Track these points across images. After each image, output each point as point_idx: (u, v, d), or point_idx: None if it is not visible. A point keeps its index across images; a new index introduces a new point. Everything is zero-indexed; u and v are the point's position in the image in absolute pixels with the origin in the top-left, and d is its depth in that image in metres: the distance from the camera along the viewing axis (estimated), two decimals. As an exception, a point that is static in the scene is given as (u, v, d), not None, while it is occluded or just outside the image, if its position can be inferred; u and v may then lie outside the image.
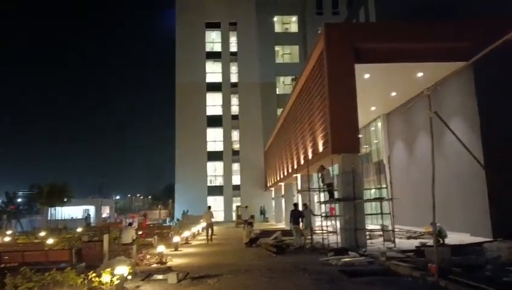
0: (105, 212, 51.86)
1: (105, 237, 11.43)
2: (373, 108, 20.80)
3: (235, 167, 42.19)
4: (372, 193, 17.48)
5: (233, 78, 43.58)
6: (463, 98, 14.32)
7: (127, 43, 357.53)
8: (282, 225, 27.04)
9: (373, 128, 23.70)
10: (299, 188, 20.57)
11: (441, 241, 11.88)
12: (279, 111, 33.83)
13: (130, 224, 18.22)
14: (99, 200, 51.25)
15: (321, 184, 14.88)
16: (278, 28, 44.96)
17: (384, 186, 15.28)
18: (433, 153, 7.27)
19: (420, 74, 14.85)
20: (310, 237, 14.49)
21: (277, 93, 42.88)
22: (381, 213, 14.75)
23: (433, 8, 16.52)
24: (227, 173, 41.76)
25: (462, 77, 13.70)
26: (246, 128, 42.06)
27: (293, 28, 45.10)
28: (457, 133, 14.01)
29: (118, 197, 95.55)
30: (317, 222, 18.07)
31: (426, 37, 13.47)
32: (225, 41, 43.80)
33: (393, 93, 17.99)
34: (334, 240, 13.59)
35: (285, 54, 44.81)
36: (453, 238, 13.29)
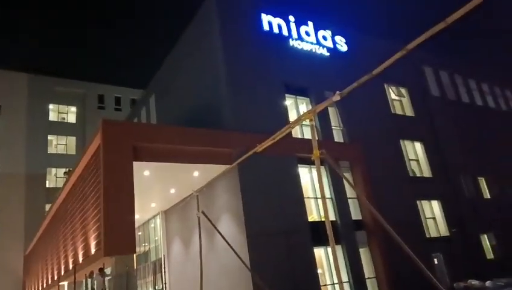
0: None
1: None
2: (153, 204, 20.81)
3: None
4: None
5: (-10, 168, 36.51)
6: (231, 196, 16.05)
7: None
8: None
9: (152, 225, 23.44)
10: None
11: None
12: (48, 207, 29.67)
13: None
14: None
15: (91, 292, 13.20)
16: (53, 117, 41.56)
17: (159, 287, 14.76)
18: (201, 251, 7.58)
19: (196, 173, 16.04)
20: None
21: (47, 186, 38.00)
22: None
23: (203, 118, 18.71)
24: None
25: (230, 178, 15.51)
26: (2, 227, 34.71)
27: (71, 118, 42.63)
28: (227, 228, 15.54)
29: None
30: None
31: (197, 142, 14.92)
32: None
33: (172, 190, 18.61)
34: None
35: (60, 144, 41.26)
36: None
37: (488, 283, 17.52)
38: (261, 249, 14.53)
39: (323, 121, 19.86)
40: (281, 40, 20.29)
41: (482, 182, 26.15)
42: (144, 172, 14.81)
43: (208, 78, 19.17)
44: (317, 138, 19.60)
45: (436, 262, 20.25)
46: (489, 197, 25.95)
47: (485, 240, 23.95)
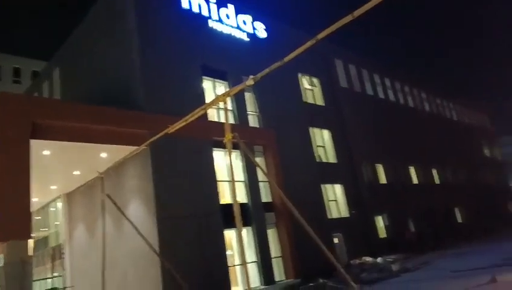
0: None
1: None
2: (54, 187, 19.25)
3: None
4: (49, 282, 15.47)
5: None
6: (142, 179, 15.50)
7: None
8: None
9: (53, 209, 21.72)
10: None
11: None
12: None
13: None
14: None
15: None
16: None
17: (59, 274, 13.84)
18: (104, 236, 7.27)
19: (104, 155, 15.16)
20: None
21: None
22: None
23: (114, 97, 17.69)
24: None
25: (142, 160, 14.95)
26: None
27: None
28: (136, 212, 15.04)
29: None
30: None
31: (107, 121, 14.08)
32: None
33: (77, 172, 17.39)
34: None
35: None
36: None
37: (379, 259, 19.52)
38: (171, 232, 14.38)
39: (240, 105, 20.06)
40: (200, 20, 19.86)
41: (380, 169, 28.82)
42: (43, 152, 13.58)
43: (121, 55, 18.08)
44: (233, 122, 19.82)
45: (336, 241, 21.97)
46: (385, 182, 28.72)
47: (379, 221, 26.58)
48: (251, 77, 4.52)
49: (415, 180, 32.40)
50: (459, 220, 36.23)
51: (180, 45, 18.11)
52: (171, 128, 5.54)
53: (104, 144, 14.18)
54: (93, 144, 14.05)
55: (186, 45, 18.37)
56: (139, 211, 15.06)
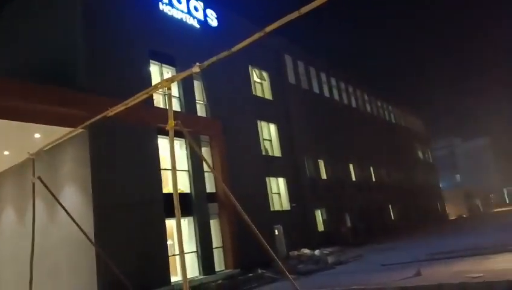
0: None
1: None
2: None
3: None
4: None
5: None
6: (79, 164, 14.74)
7: None
8: None
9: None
10: None
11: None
12: None
13: None
14: None
15: None
16: None
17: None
18: (34, 222, 6.84)
19: (38, 135, 14.20)
20: None
21: None
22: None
23: (53, 75, 16.59)
24: None
25: (80, 144, 14.20)
26: None
27: None
28: (72, 198, 14.28)
29: None
30: None
31: (42, 100, 13.19)
32: None
33: (6, 152, 16.18)
34: None
35: None
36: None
37: (316, 252, 20.23)
38: (109, 221, 13.87)
39: (188, 94, 19.70)
40: (150, 1, 19.16)
41: (321, 164, 29.78)
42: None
43: (62, 31, 16.97)
44: (179, 110, 19.43)
45: (276, 233, 22.45)
46: (325, 177, 29.75)
47: (319, 215, 27.53)
48: (197, 64, 4.42)
49: (353, 178, 33.88)
50: (392, 217, 38.51)
51: (127, 26, 17.36)
52: (111, 111, 5.28)
53: (37, 124, 13.29)
54: (24, 123, 13.12)
55: (134, 27, 17.64)
56: (75, 197, 14.34)
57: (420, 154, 52.67)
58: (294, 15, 3.71)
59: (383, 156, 39.89)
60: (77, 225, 7.27)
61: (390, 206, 38.60)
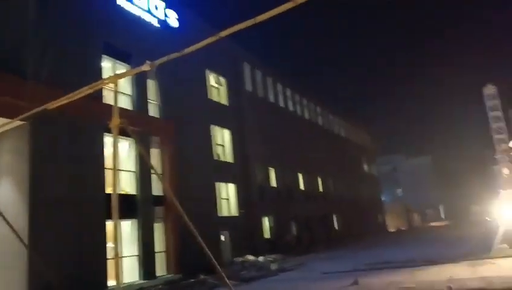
0: None
1: None
2: None
3: None
4: None
5: None
6: (17, 158, 13.81)
7: None
8: None
9: None
10: None
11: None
12: None
13: None
14: None
15: None
16: None
17: None
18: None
19: (-30, 124, 13.15)
20: None
21: None
22: None
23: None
24: None
25: (20, 136, 13.35)
26: None
27: None
28: (5, 195, 13.34)
29: None
30: None
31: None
32: None
33: None
34: None
35: None
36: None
37: (260, 258, 20.39)
38: (45, 219, 13.09)
39: (141, 92, 19.17)
40: (107, -6, 18.52)
41: (272, 173, 30.14)
42: None
43: (5, 14, 15.91)
44: (131, 109, 18.83)
45: (223, 238, 22.35)
46: (275, 186, 30.13)
47: (266, 222, 27.78)
48: (148, 62, 4.33)
49: (302, 187, 34.60)
50: (336, 226, 39.70)
51: (81, 17, 16.62)
52: (52, 104, 5.02)
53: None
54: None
55: (88, 18, 16.91)
56: (9, 193, 13.41)
57: (366, 168, 54.89)
58: (250, 22, 3.77)
59: (331, 167, 41.12)
60: (9, 224, 6.79)
61: (334, 216, 39.79)
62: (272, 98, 33.29)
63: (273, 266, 19.06)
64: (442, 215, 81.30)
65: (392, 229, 59.29)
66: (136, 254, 16.76)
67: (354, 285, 11.97)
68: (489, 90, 22.15)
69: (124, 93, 18.28)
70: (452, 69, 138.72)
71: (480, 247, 16.66)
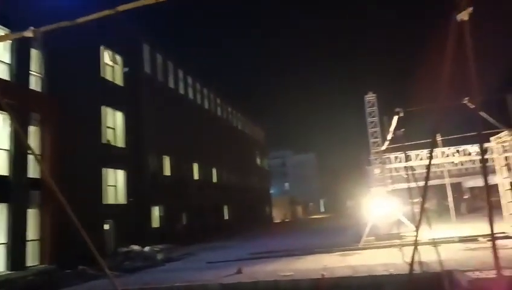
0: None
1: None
2: None
3: None
4: None
5: None
6: None
7: None
8: None
9: None
10: None
11: None
12: None
13: None
14: None
15: None
16: None
17: None
18: None
19: None
20: None
21: None
22: None
23: None
24: None
25: None
26: None
27: None
28: None
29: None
30: None
31: None
32: None
33: None
34: None
35: None
36: None
37: (146, 248, 19.76)
38: None
39: (22, 62, 16.99)
40: None
41: (166, 161, 29.41)
42: None
43: None
44: (7, 79, 16.65)
45: (108, 227, 21.15)
46: (169, 174, 29.48)
47: (156, 211, 27.05)
48: (31, 28, 3.86)
49: (196, 177, 34.50)
50: (227, 217, 40.56)
51: None
52: None
53: None
54: None
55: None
56: None
57: (258, 161, 57.06)
58: (151, 0, 3.61)
59: (227, 159, 41.79)
60: None
61: (226, 206, 40.59)
62: (172, 84, 32.41)
63: (160, 256, 18.71)
64: (322, 209, 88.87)
65: (277, 221, 62.75)
66: (4, 241, 14.94)
67: (238, 274, 12.41)
68: (369, 97, 24.66)
69: (1, 61, 16.01)
70: (343, 72, 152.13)
71: (352, 238, 18.60)
